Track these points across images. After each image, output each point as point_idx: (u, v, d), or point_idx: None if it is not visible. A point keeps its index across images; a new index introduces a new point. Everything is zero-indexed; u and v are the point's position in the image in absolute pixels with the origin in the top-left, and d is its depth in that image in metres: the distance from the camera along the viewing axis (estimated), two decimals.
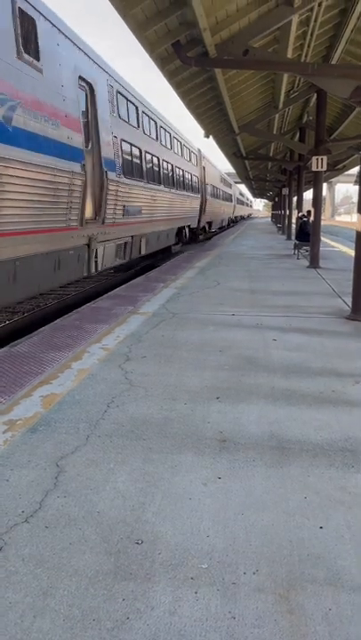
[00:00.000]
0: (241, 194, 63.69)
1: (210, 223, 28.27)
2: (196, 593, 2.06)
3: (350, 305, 7.53)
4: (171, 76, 9.86)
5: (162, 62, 8.97)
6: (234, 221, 52.33)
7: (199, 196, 22.46)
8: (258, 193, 66.57)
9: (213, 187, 28.24)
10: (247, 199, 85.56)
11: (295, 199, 23.15)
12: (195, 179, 21.60)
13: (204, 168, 24.22)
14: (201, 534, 2.42)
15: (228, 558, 2.26)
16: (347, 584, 2.11)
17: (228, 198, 39.86)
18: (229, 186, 40.83)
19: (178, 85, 10.74)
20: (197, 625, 1.90)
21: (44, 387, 4.36)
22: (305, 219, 16.31)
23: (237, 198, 52.60)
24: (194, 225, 22.10)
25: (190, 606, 1.99)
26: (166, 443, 3.35)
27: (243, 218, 72.82)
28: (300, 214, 17.92)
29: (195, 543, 2.36)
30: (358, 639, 1.85)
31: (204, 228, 25.95)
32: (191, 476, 2.93)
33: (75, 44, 8.02)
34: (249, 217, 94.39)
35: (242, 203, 64.29)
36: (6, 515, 2.56)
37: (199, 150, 23.43)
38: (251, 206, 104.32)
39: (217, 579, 2.14)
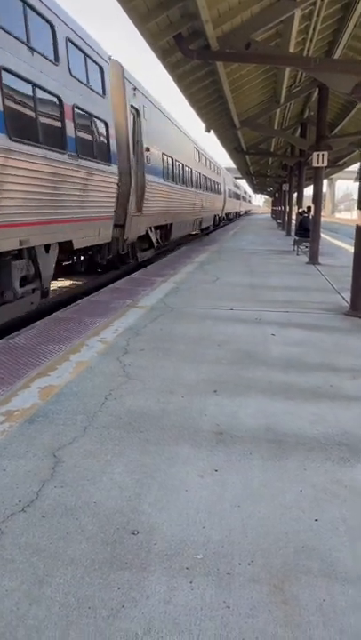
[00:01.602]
0: (236, 185, 50.85)
1: (166, 228, 16.02)
2: (191, 583, 2.07)
3: (349, 301, 7.54)
4: (172, 68, 9.82)
5: (163, 54, 8.94)
6: (225, 219, 41.36)
7: (115, 170, 10.00)
8: (258, 188, 66.31)
9: (172, 160, 15.66)
10: (245, 192, 71.72)
11: (295, 195, 23.11)
12: (98, 125, 9.19)
13: (135, 111, 11.56)
14: (197, 525, 2.43)
15: (223, 549, 2.27)
16: (341, 576, 2.12)
17: (215, 189, 28.92)
18: (217, 172, 29.88)
19: (179, 79, 10.70)
20: (192, 614, 1.91)
21: (42, 378, 4.36)
22: (305, 215, 16.30)
23: (229, 190, 39.96)
24: (103, 238, 9.82)
25: (185, 595, 2.00)
26: (163, 435, 3.36)
27: (238, 215, 59.69)
28: (300, 210, 17.90)
29: (190, 534, 2.37)
30: (352, 630, 1.86)
31: (148, 239, 13.83)
32: (188, 468, 2.94)
33: None
34: (247, 213, 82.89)
35: (236, 196, 50.14)
36: (3, 504, 2.57)
37: (115, 63, 10.43)
38: (250, 201, 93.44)
39: (212, 569, 2.15)
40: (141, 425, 3.50)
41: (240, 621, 1.88)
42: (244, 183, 66.54)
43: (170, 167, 15.31)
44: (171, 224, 16.21)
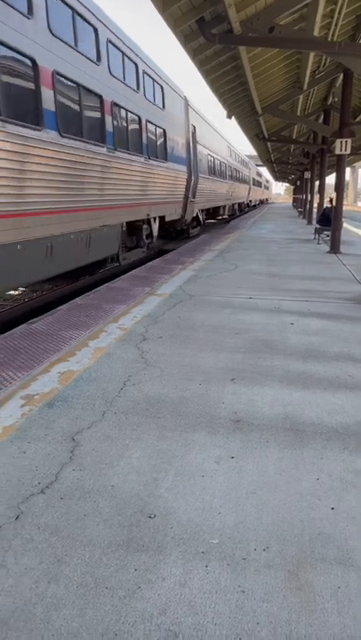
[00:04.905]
0: (230, 150, 26.90)
1: None
2: (206, 567, 2.09)
3: None
4: (194, 53, 9.72)
5: (185, 39, 8.84)
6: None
7: None
8: (279, 176, 65.38)
9: None
10: (259, 175, 52.01)
11: (317, 183, 22.78)
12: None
13: None
14: (212, 511, 2.45)
15: (238, 535, 2.29)
16: (356, 564, 2.12)
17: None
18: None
19: (201, 64, 10.59)
20: (207, 597, 1.93)
21: (62, 364, 4.41)
22: (329, 205, 16.05)
23: (207, 157, 19.03)
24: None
25: (200, 579, 2.02)
26: (180, 421, 3.38)
27: (247, 206, 40.87)
28: (328, 198, 17.56)
29: (206, 519, 2.39)
30: None
31: None
32: (204, 455, 2.96)
33: None
34: (262, 203, 64.62)
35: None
36: (23, 485, 2.62)
37: None
38: (266, 187, 72.88)
39: (227, 554, 2.17)
40: (159, 411, 3.52)
41: (255, 606, 1.90)
42: (264, 171, 63.41)
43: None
44: None
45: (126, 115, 9.65)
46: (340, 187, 13.73)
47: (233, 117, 16.57)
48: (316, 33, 10.15)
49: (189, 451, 3.00)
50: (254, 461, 2.90)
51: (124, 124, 9.58)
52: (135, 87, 10.14)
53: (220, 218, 26.54)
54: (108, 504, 2.48)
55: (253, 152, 36.94)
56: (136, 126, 10.34)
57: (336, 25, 11.04)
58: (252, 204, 47.59)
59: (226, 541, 2.24)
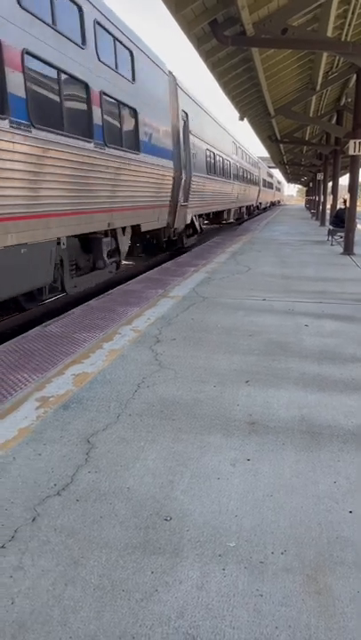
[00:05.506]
0: (235, 147, 23.04)
1: None
2: (223, 570, 2.07)
3: None
4: (207, 56, 9.74)
5: (198, 42, 8.87)
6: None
7: None
8: (292, 178, 65.17)
9: None
10: (268, 175, 47.35)
11: (330, 184, 22.67)
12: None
13: None
14: (229, 513, 2.43)
15: (256, 538, 2.26)
16: None
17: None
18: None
19: (214, 66, 10.61)
20: (225, 600, 1.92)
21: (76, 366, 4.42)
22: (343, 206, 15.95)
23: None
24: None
25: (218, 582, 2.01)
26: (195, 423, 3.37)
27: (256, 209, 38.14)
28: (341, 200, 17.46)
29: (223, 522, 2.37)
30: None
31: None
32: (220, 457, 2.95)
33: None
34: (273, 205, 61.06)
35: (241, 177, 25.34)
36: (39, 487, 2.62)
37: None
38: (279, 189, 71.29)
39: (245, 557, 2.15)
40: (174, 413, 3.51)
41: (273, 610, 1.88)
42: (276, 172, 62.69)
43: None
44: None
45: (58, 77, 6.33)
46: (353, 188, 13.64)
47: (245, 119, 16.56)
48: (329, 34, 10.11)
49: (205, 453, 2.99)
50: (270, 464, 2.88)
51: (55, 90, 6.31)
52: (79, 40, 6.80)
53: (224, 222, 23.86)
54: (123, 506, 2.48)
55: (266, 154, 36.88)
56: (80, 97, 6.97)
57: (350, 25, 11.00)
58: (262, 206, 44.34)
59: (243, 544, 2.22)
